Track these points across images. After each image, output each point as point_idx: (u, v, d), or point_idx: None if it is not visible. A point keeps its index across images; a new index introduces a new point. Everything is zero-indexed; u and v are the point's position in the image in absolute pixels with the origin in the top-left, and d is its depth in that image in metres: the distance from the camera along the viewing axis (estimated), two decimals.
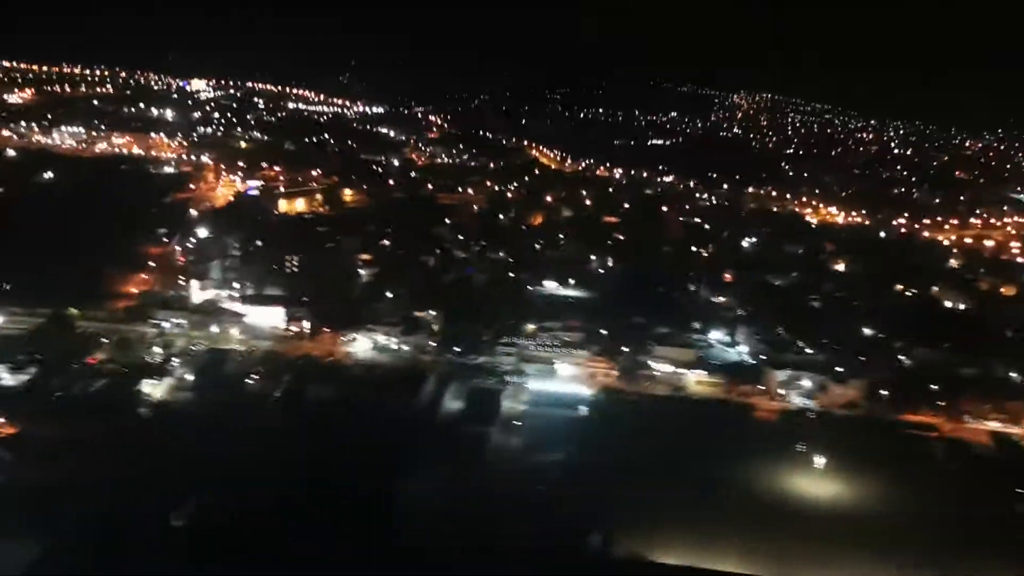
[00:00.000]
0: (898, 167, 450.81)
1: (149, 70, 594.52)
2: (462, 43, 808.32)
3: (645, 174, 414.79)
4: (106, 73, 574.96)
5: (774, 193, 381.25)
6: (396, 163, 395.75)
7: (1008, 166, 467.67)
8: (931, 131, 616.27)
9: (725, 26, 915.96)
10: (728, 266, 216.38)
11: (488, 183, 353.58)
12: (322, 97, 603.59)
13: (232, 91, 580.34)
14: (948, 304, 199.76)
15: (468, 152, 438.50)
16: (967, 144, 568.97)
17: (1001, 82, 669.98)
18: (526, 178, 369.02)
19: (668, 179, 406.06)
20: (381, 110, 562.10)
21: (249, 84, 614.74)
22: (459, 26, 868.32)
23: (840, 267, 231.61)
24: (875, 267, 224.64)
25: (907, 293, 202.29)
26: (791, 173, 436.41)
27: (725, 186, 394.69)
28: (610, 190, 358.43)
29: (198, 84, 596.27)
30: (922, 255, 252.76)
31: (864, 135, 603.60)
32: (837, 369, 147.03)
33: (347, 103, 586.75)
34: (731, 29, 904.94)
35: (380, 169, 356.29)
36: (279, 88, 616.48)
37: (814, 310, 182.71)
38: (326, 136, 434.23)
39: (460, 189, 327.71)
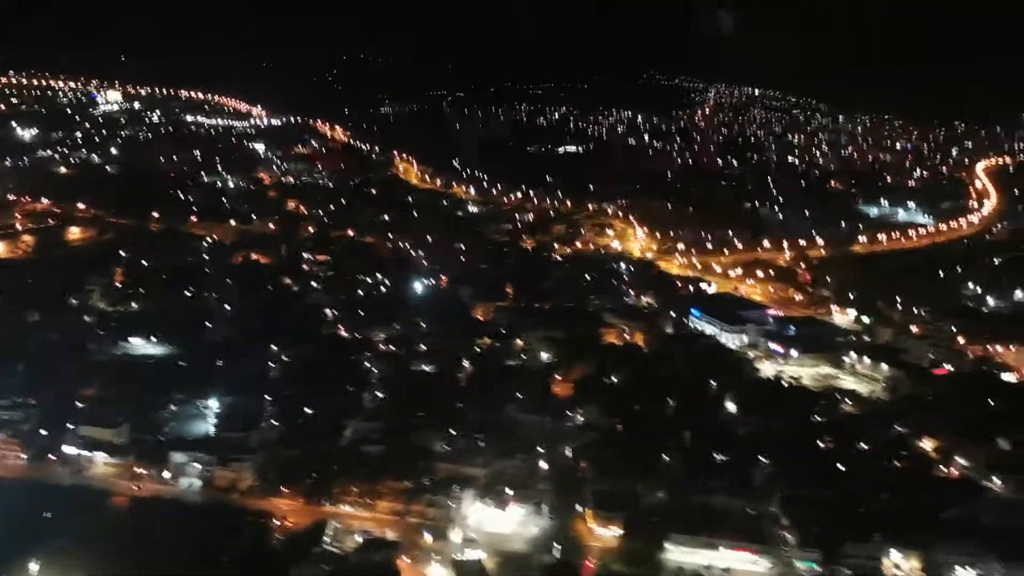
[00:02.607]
0: (769, 179, 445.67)
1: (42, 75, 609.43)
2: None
3: (494, 190, 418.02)
4: None
5: (609, 209, 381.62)
6: (231, 185, 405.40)
7: (889, 178, 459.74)
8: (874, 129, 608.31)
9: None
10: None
11: (301, 208, 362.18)
12: (235, 107, 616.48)
13: (133, 102, 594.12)
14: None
15: (332, 169, 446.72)
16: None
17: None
18: (343, 200, 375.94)
19: (513, 195, 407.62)
20: (278, 122, 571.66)
21: (157, 91, 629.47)
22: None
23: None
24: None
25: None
26: (667, 183, 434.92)
27: (556, 201, 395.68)
28: (414, 214, 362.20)
29: (113, 95, 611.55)
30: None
31: (797, 136, 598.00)
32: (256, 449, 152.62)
33: (252, 112, 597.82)
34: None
35: (183, 195, 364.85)
36: (192, 94, 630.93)
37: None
38: (194, 154, 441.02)
39: (254, 217, 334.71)
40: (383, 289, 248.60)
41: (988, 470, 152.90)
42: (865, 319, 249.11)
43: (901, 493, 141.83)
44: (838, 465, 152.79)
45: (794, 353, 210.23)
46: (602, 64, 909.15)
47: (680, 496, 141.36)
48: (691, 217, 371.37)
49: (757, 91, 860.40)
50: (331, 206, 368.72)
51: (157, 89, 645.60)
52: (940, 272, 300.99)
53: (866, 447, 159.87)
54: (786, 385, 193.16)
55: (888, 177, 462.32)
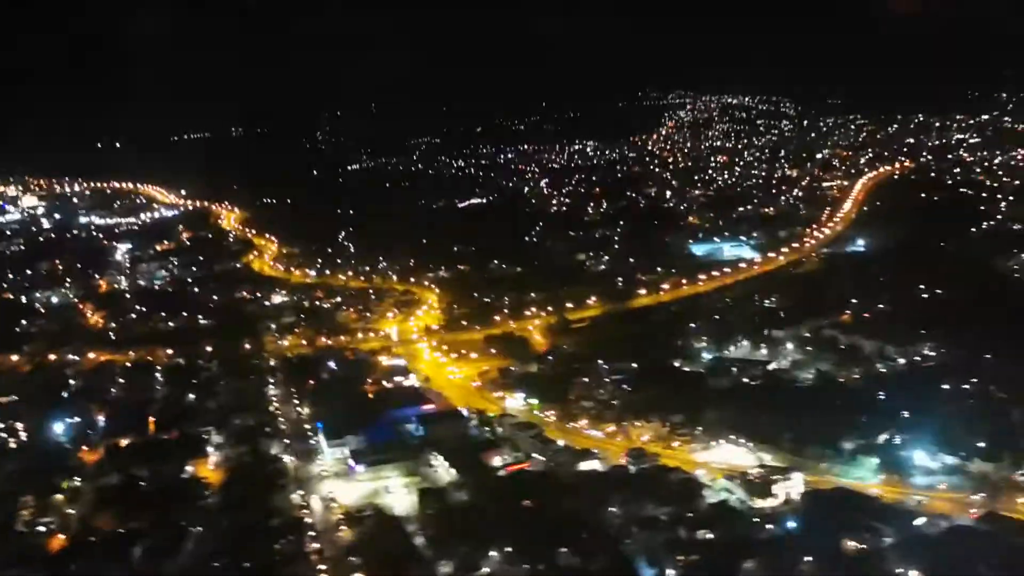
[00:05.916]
0: (620, 224, 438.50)
1: None
2: None
3: (329, 270, 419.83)
4: None
5: (426, 282, 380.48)
6: (55, 300, 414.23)
7: (742, 208, 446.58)
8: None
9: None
10: None
11: (99, 322, 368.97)
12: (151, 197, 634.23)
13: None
14: None
15: (186, 264, 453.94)
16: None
17: None
18: (142, 308, 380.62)
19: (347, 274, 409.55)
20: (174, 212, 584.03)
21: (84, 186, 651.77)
22: None
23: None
24: None
25: None
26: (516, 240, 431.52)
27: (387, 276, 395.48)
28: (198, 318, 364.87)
29: (29, 200, 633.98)
30: None
31: (720, 158, 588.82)
32: None
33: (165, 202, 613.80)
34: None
35: None
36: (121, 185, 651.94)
37: None
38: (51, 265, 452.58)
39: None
40: None
41: None
42: (532, 402, 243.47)
43: None
44: None
45: (360, 468, 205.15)
46: (600, 85, 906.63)
47: None
48: (509, 281, 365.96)
49: (735, 100, 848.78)
50: (132, 315, 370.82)
51: (84, 184, 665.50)
52: (692, 324, 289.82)
53: None
54: (298, 516, 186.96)
55: (755, 202, 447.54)
